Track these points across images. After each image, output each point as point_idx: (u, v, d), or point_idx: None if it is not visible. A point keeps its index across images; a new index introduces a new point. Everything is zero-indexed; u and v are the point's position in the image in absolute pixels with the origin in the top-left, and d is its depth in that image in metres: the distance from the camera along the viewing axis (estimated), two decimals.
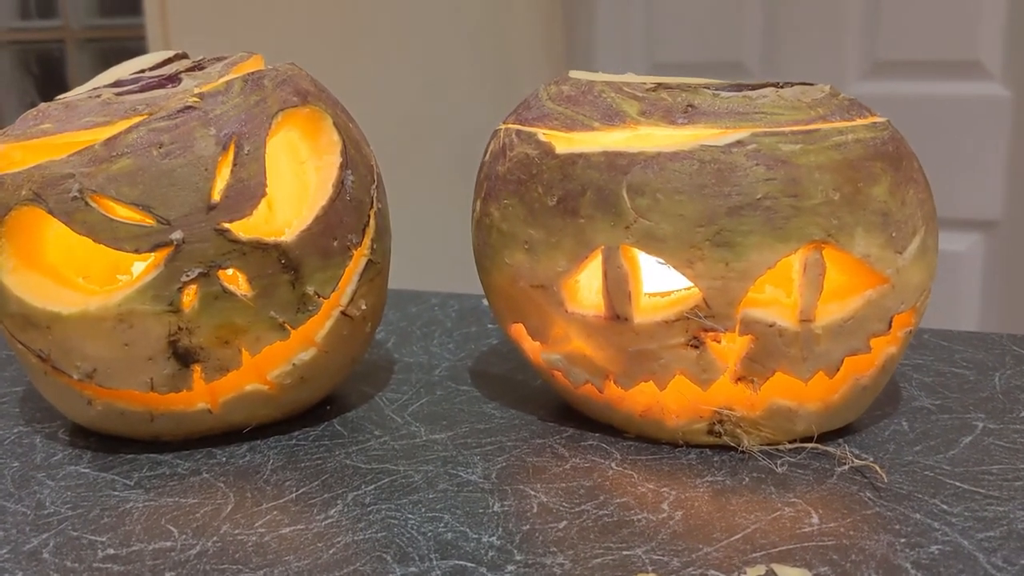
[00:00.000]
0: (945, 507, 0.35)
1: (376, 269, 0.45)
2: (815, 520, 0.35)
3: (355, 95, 0.60)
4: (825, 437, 0.41)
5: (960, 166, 1.18)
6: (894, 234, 0.38)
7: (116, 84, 0.43)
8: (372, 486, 0.39)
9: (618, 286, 0.38)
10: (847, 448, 0.40)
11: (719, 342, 0.38)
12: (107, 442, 0.44)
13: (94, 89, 0.43)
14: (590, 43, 1.35)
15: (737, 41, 1.27)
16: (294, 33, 1.06)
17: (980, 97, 1.16)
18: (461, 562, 0.33)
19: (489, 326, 0.60)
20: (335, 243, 0.42)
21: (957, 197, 1.18)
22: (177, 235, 0.38)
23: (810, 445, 0.40)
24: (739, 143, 0.37)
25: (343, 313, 0.43)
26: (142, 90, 0.41)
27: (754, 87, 0.39)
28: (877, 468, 0.38)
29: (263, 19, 1.03)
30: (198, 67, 0.44)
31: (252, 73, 0.42)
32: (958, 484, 0.37)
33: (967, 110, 1.17)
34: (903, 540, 0.33)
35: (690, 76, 0.43)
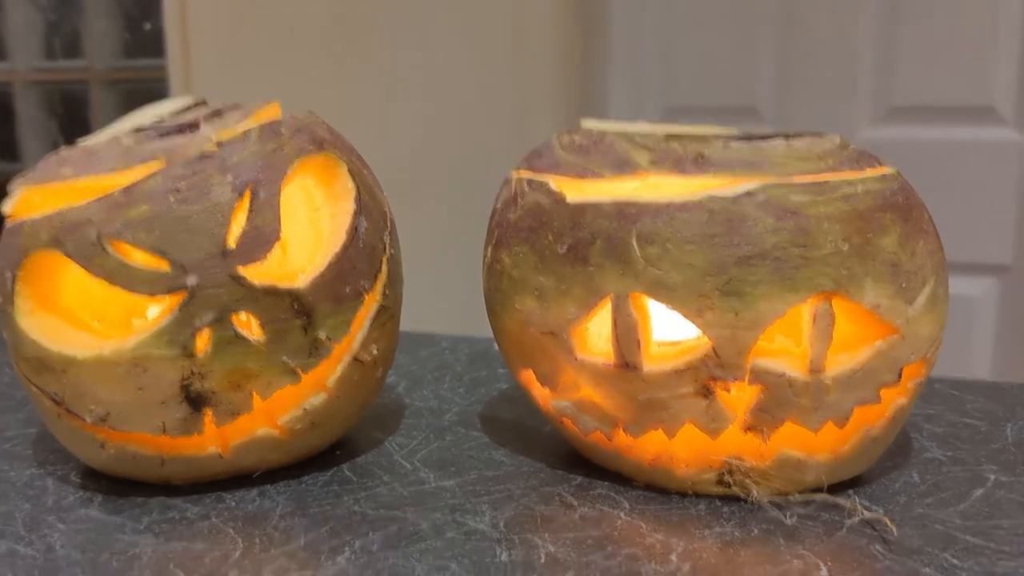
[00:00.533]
0: (956, 562, 0.35)
1: (388, 314, 0.45)
2: (824, 573, 0.34)
3: (370, 140, 0.61)
4: (835, 488, 0.41)
5: (973, 210, 1.18)
6: (904, 285, 0.38)
7: (137, 130, 0.44)
8: (380, 533, 0.39)
9: (627, 334, 0.38)
10: (857, 500, 0.40)
11: (728, 391, 0.38)
12: (118, 485, 0.44)
13: (115, 135, 0.44)
14: (605, 87, 1.36)
15: (751, 86, 1.28)
16: (312, 78, 1.07)
17: (992, 142, 1.17)
18: None
19: (499, 370, 0.60)
20: (348, 289, 0.42)
21: (969, 241, 1.17)
22: (192, 280, 0.39)
23: (820, 496, 0.40)
24: (749, 194, 0.37)
25: (355, 358, 0.43)
26: (161, 136, 0.42)
27: (764, 137, 0.40)
28: (887, 521, 0.38)
29: (282, 62, 1.05)
30: (217, 114, 0.45)
31: (269, 122, 0.42)
32: (969, 538, 0.37)
33: (980, 155, 1.18)
34: None
35: (703, 120, 0.43)
